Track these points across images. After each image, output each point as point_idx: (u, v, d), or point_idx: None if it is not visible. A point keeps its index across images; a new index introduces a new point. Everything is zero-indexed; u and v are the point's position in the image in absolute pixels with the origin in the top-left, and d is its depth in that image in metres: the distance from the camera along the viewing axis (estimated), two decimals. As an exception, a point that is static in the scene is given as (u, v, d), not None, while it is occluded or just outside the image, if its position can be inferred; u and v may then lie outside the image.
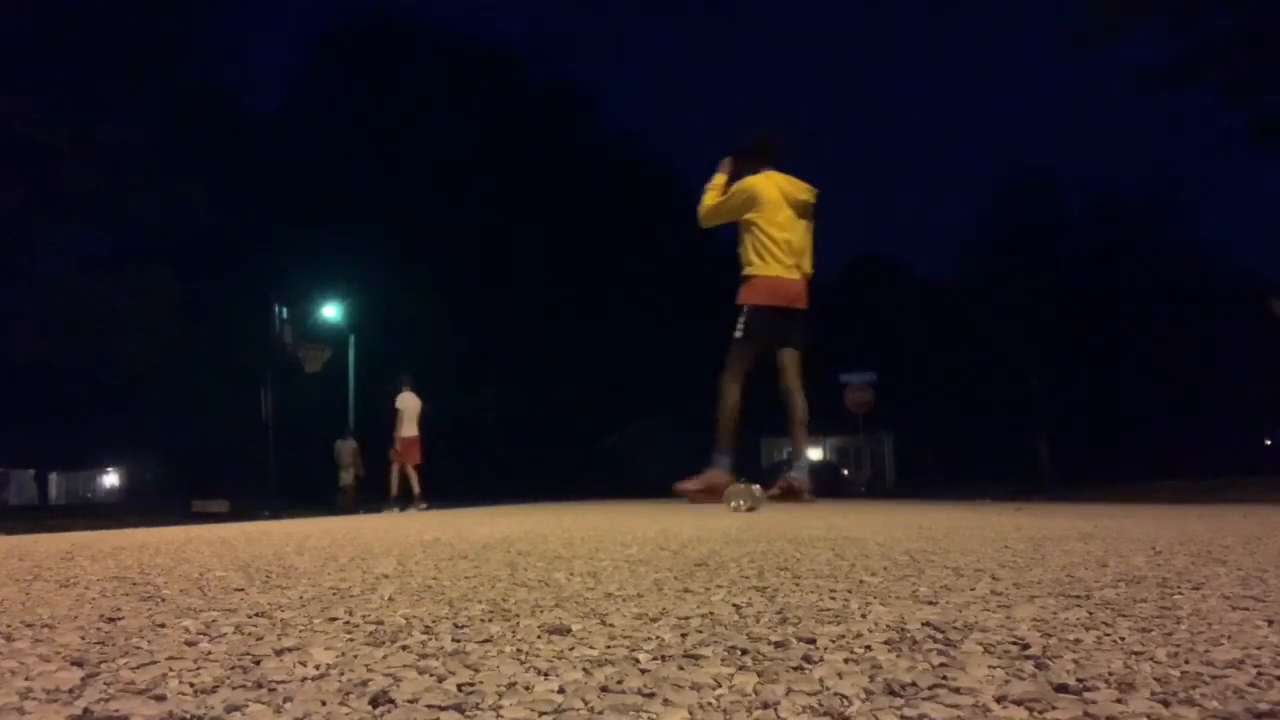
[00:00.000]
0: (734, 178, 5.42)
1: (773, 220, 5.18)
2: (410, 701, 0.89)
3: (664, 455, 35.09)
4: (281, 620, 1.41)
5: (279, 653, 1.14)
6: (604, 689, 0.93)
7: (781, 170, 5.34)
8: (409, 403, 13.21)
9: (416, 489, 12.67)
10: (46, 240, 23.12)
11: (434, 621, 1.37)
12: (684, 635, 1.23)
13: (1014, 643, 1.15)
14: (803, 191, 5.28)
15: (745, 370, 5.37)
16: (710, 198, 5.50)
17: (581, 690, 0.93)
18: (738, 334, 5.37)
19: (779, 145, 5.43)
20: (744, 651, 1.11)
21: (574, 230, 35.87)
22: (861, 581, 1.82)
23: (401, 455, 12.98)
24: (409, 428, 13.06)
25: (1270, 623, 1.28)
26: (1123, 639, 1.17)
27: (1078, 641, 1.16)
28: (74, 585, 1.95)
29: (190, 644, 1.21)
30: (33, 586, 1.94)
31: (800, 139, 5.58)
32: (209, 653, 1.15)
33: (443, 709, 0.87)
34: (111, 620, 1.43)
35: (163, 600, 1.68)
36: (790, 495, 5.40)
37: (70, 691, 0.95)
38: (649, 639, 1.20)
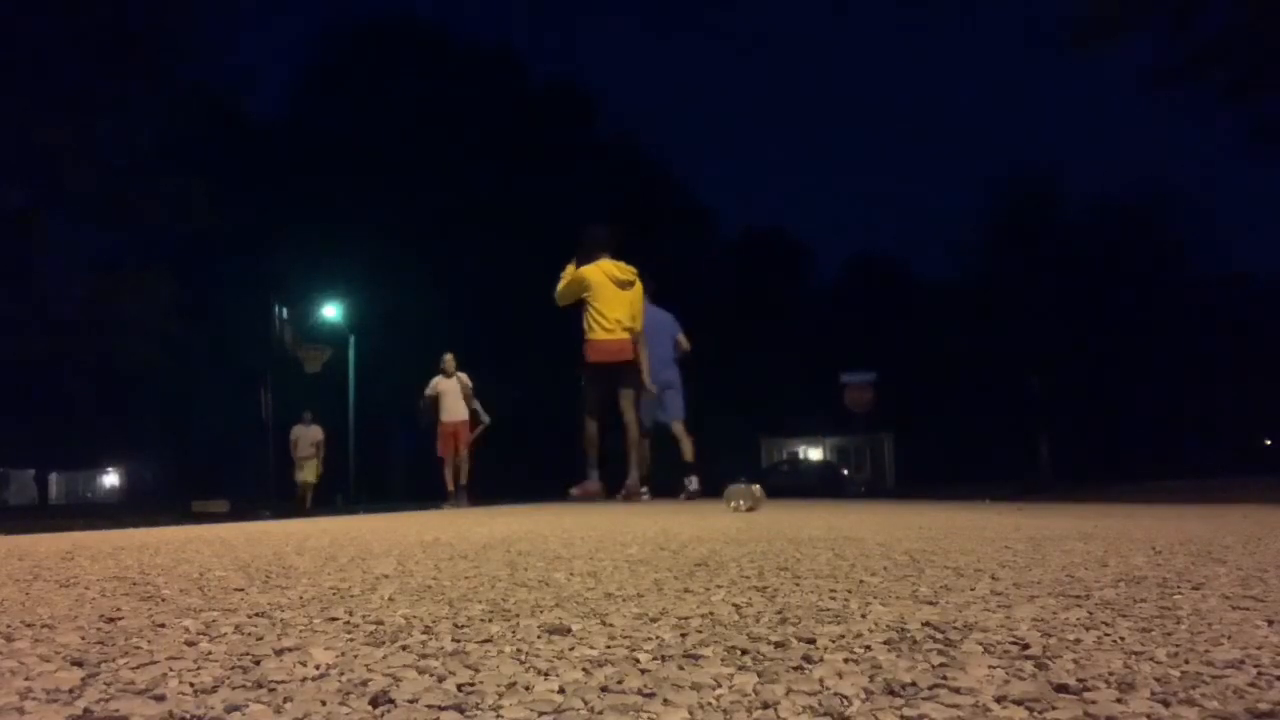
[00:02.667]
0: (580, 265, 7.14)
1: (600, 298, 6.85)
2: (410, 701, 0.89)
3: (663, 455, 35.13)
4: (281, 620, 1.41)
5: (279, 653, 1.14)
6: (604, 689, 0.93)
7: (613, 256, 7.06)
8: (443, 386, 11.79)
9: (450, 484, 11.40)
10: (47, 240, 23.12)
11: (434, 621, 1.37)
12: (684, 635, 1.23)
13: (1014, 643, 1.15)
14: (624, 273, 6.97)
15: (596, 407, 7.12)
16: (562, 284, 7.21)
17: (581, 690, 0.93)
18: (584, 384, 7.17)
19: (608, 240, 7.14)
20: (744, 651, 1.11)
21: (574, 231, 35.88)
22: (861, 581, 1.82)
23: (441, 445, 11.55)
24: (449, 412, 11.59)
25: (1270, 623, 1.28)
26: (1123, 639, 1.17)
27: (1078, 641, 1.16)
28: (74, 585, 1.95)
29: (190, 644, 1.21)
30: (33, 586, 1.94)
31: (624, 233, 7.53)
32: (209, 653, 1.15)
33: (443, 709, 0.87)
34: (111, 620, 1.43)
35: (163, 600, 1.68)
36: (631, 497, 7.15)
37: (70, 691, 0.95)
38: (649, 639, 1.20)
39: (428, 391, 11.68)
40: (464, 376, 11.91)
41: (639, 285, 7.05)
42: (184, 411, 32.92)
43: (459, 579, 1.97)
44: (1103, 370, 36.56)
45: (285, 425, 18.30)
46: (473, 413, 11.91)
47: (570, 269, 7.22)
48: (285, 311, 19.39)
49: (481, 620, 1.38)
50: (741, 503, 5.79)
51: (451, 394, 11.72)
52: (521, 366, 33.23)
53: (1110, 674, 0.98)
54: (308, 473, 16.78)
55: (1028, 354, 35.23)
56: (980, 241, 42.06)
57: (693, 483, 8.10)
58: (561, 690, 0.93)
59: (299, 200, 33.28)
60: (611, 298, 6.82)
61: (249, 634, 1.29)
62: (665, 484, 8.72)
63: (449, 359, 11.81)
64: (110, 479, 48.85)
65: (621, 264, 6.99)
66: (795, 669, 1.02)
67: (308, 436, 16.93)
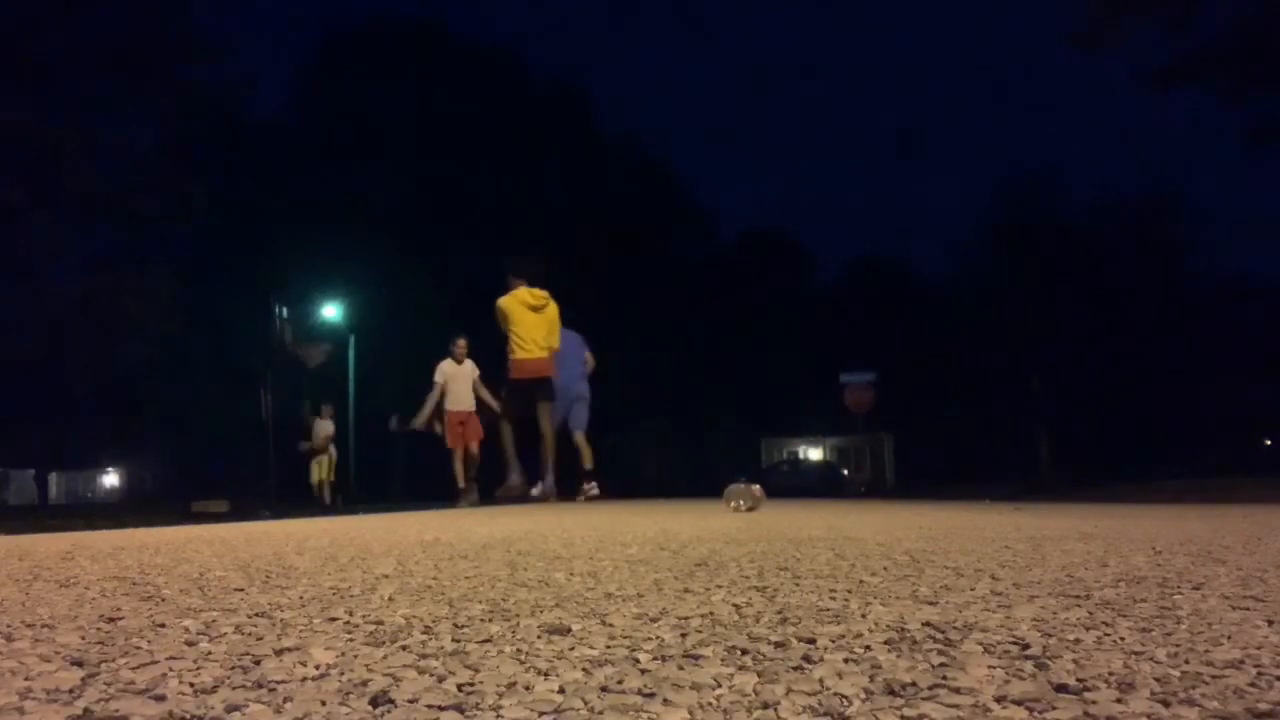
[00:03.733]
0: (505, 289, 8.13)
1: (519, 323, 7.75)
2: (410, 701, 0.89)
3: (664, 455, 35.08)
4: (281, 620, 1.41)
5: (279, 653, 1.14)
6: (604, 689, 0.93)
7: (531, 284, 7.94)
8: (451, 372, 10.63)
9: (461, 479, 10.01)
10: (47, 240, 23.11)
11: (434, 621, 1.37)
12: (684, 635, 1.23)
13: (1014, 643, 1.15)
14: (537, 299, 7.81)
15: (515, 417, 8.10)
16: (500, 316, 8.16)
17: (581, 690, 0.93)
18: (505, 395, 8.23)
19: (526, 271, 8.01)
20: (744, 651, 1.11)
21: (575, 230, 35.88)
22: (861, 581, 1.82)
23: (451, 437, 10.25)
24: (458, 400, 10.35)
25: (1270, 623, 1.29)
26: (1123, 639, 1.17)
27: (1078, 641, 1.16)
28: (74, 585, 1.95)
29: (190, 644, 1.21)
30: (33, 586, 1.94)
31: (545, 264, 8.42)
32: (209, 653, 1.15)
33: (443, 709, 0.87)
34: (111, 620, 1.43)
35: (163, 600, 1.68)
36: (547, 497, 8.12)
37: (70, 691, 0.95)
38: (649, 639, 1.20)
39: (436, 378, 11.04)
40: (472, 364, 11.36)
41: (552, 307, 7.93)
42: (184, 411, 32.90)
43: (459, 579, 1.97)
44: (1103, 370, 36.57)
45: (286, 425, 18.22)
46: (481, 402, 11.15)
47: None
48: (285, 311, 19.36)
49: (481, 620, 1.38)
50: (741, 503, 5.80)
51: (460, 380, 10.69)
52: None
53: (1110, 674, 0.98)
54: (322, 469, 15.90)
55: (1028, 354, 35.24)
56: (980, 241, 42.07)
57: (593, 488, 8.81)
58: (561, 690, 0.93)
59: (299, 200, 33.26)
60: (529, 322, 7.76)
61: (249, 634, 1.29)
62: (569, 487, 9.15)
63: (461, 344, 10.92)
64: (110, 479, 48.83)
65: (534, 290, 7.89)
66: (795, 669, 1.02)
67: (323, 430, 16.19)
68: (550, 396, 8.01)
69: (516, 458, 8.14)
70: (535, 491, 8.21)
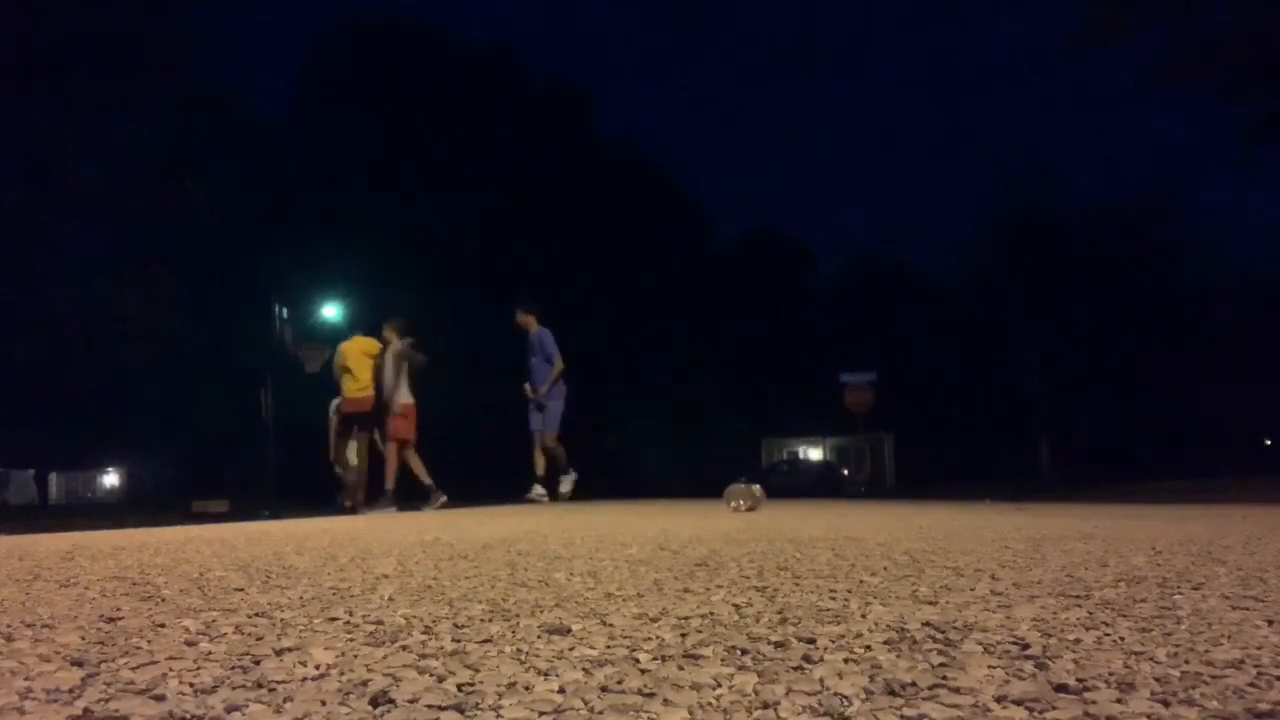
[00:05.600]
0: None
1: (350, 367, 8.97)
2: (410, 701, 0.89)
3: (664, 455, 35.07)
4: (281, 620, 1.41)
5: (279, 653, 1.14)
6: (604, 689, 0.93)
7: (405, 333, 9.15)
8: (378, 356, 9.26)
9: (390, 482, 8.95)
10: (47, 240, 23.11)
11: (434, 621, 1.37)
12: (684, 635, 1.23)
13: (1014, 643, 1.15)
14: (370, 347, 9.02)
15: (346, 443, 9.44)
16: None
17: (581, 690, 0.93)
18: (339, 425, 9.50)
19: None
20: (744, 651, 1.11)
21: (574, 230, 35.88)
22: (861, 581, 1.82)
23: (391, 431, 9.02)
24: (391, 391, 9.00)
25: (1270, 623, 1.29)
26: (1123, 639, 1.17)
27: (1078, 641, 1.16)
28: (74, 585, 1.95)
29: (190, 644, 1.21)
30: (33, 586, 1.94)
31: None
32: (209, 653, 1.15)
33: (443, 709, 0.87)
34: (111, 620, 1.43)
35: (163, 600, 1.68)
36: (357, 508, 8.72)
37: (70, 691, 0.95)
38: (649, 639, 1.20)
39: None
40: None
41: (379, 354, 9.09)
42: (184, 411, 32.88)
43: (459, 579, 1.97)
44: (1103, 370, 36.55)
45: (286, 425, 18.08)
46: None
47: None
48: (285, 311, 19.37)
49: (481, 620, 1.38)
50: (741, 503, 5.80)
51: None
52: (522, 367, 33.16)
53: (1110, 674, 0.98)
54: (354, 454, 13.41)
55: (1028, 354, 35.24)
56: (980, 241, 42.07)
57: (565, 484, 9.27)
58: (561, 690, 0.93)
59: (299, 200, 33.24)
60: (356, 367, 8.95)
61: (249, 634, 1.29)
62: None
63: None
64: (110, 479, 48.80)
65: (369, 340, 9.16)
66: (795, 669, 1.02)
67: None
68: (372, 425, 9.22)
69: (361, 477, 9.16)
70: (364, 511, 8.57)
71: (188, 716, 0.85)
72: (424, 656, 1.10)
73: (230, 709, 0.87)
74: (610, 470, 33.77)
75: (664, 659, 1.07)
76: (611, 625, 1.32)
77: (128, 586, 1.91)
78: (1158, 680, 0.95)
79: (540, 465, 9.07)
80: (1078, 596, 1.58)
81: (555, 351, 9.22)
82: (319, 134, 36.22)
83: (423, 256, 33.08)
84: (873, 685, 0.93)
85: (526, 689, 0.94)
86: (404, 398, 9.05)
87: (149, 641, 1.24)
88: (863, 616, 1.37)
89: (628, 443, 36.80)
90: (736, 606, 1.48)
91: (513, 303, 9.60)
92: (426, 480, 9.06)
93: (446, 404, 18.44)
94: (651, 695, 0.90)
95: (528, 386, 9.26)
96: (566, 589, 1.76)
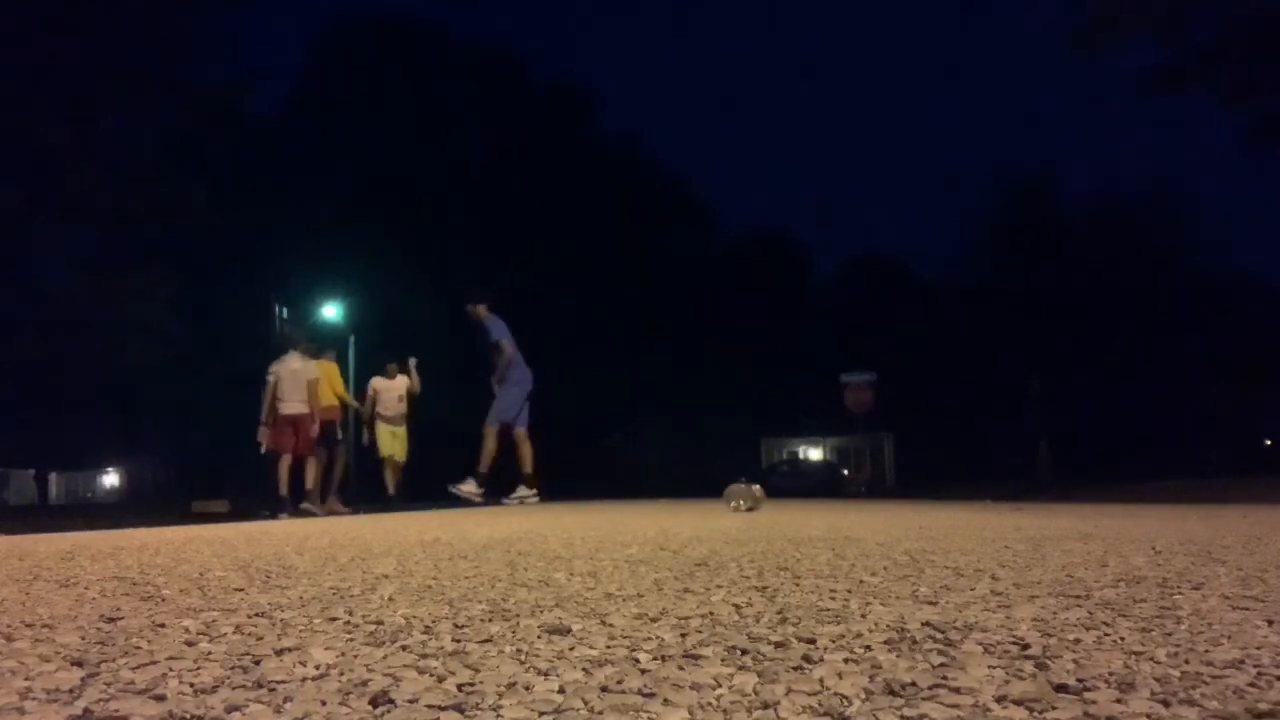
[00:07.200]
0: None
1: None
2: (410, 701, 0.89)
3: (664, 455, 35.07)
4: (281, 620, 1.41)
5: (279, 653, 1.14)
6: (604, 689, 0.93)
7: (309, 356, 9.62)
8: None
9: (310, 484, 9.29)
10: (47, 240, 23.12)
11: (434, 621, 1.37)
12: (684, 635, 1.23)
13: (1014, 643, 1.15)
14: (309, 372, 9.42)
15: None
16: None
17: (581, 690, 0.93)
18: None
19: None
20: (744, 651, 1.11)
21: (574, 230, 35.89)
22: (861, 581, 1.82)
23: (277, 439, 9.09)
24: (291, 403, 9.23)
25: (1270, 623, 1.29)
26: (1123, 639, 1.17)
27: (1078, 641, 1.16)
28: (74, 585, 1.95)
29: (190, 644, 1.21)
30: (33, 586, 1.94)
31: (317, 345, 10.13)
32: (209, 653, 1.15)
33: (443, 709, 0.87)
34: (111, 620, 1.43)
35: (163, 600, 1.68)
36: (305, 513, 8.87)
37: (70, 691, 0.95)
38: (649, 639, 1.20)
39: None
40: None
41: (316, 375, 9.56)
42: (184, 411, 32.89)
43: (459, 579, 1.97)
44: (1103, 370, 36.57)
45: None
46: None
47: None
48: (285, 311, 19.38)
49: (481, 620, 1.38)
50: (741, 503, 5.80)
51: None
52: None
53: (1110, 674, 0.98)
54: (395, 446, 11.63)
55: (1028, 354, 35.25)
56: (980, 241, 42.09)
57: (529, 494, 9.07)
58: (561, 690, 0.93)
59: (299, 200, 33.25)
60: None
61: (249, 634, 1.29)
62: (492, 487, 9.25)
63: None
64: (110, 479, 48.81)
65: (309, 363, 9.57)
66: (795, 669, 1.02)
67: (393, 391, 11.46)
68: (315, 435, 9.62)
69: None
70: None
71: (188, 716, 0.85)
72: (424, 656, 1.10)
73: (230, 709, 0.87)
74: (610, 469, 33.80)
75: (664, 659, 1.07)
76: (611, 625, 1.32)
77: (128, 586, 1.91)
78: (1158, 680, 0.95)
79: (527, 462, 8.97)
80: (1078, 596, 1.58)
81: (502, 338, 8.96)
82: (319, 134, 36.23)
83: (423, 256, 33.08)
84: (873, 685, 0.93)
85: (526, 689, 0.94)
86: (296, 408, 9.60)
87: (149, 641, 1.24)
88: (863, 616, 1.37)
89: (628, 442, 36.81)
90: (736, 606, 1.48)
91: (462, 295, 9.42)
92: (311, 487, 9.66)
93: (446, 403, 18.42)
94: (651, 695, 0.90)
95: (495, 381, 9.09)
96: (566, 589, 1.76)
